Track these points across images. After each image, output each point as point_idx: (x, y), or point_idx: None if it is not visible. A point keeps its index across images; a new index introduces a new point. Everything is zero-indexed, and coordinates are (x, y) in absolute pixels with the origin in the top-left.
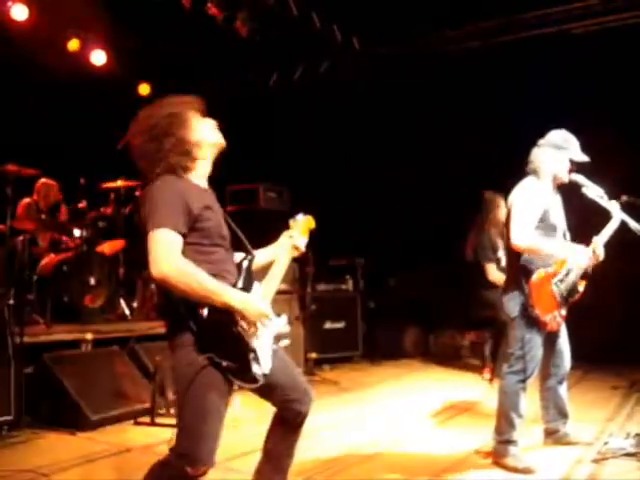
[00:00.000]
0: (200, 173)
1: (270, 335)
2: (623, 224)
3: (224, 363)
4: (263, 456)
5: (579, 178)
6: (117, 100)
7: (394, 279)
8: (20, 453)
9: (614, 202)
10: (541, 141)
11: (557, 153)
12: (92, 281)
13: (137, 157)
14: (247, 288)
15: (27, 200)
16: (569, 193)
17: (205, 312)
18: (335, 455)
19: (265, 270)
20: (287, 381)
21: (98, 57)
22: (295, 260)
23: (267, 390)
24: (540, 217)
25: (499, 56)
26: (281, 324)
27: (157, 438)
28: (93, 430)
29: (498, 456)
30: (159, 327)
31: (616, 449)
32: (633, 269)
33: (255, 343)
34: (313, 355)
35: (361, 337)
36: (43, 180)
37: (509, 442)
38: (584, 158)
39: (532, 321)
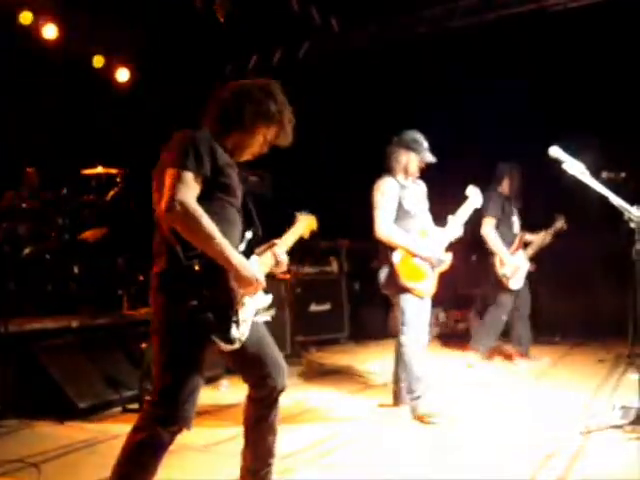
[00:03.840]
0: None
1: (253, 307)
2: (606, 200)
3: (209, 314)
4: (247, 440)
5: (559, 153)
6: (95, 87)
7: (378, 260)
8: (8, 443)
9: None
10: (395, 139)
11: (409, 153)
12: (75, 269)
13: (216, 104)
14: (247, 255)
15: (11, 192)
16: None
17: (203, 262)
18: (321, 437)
19: None
20: (263, 355)
21: (77, 46)
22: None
23: (243, 363)
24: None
25: (480, 36)
26: (266, 300)
27: None
28: (81, 418)
29: (414, 411)
30: (145, 314)
31: (603, 421)
32: (618, 244)
33: (239, 309)
34: (299, 338)
35: (347, 319)
36: (28, 169)
37: (420, 397)
38: (433, 160)
39: (404, 291)
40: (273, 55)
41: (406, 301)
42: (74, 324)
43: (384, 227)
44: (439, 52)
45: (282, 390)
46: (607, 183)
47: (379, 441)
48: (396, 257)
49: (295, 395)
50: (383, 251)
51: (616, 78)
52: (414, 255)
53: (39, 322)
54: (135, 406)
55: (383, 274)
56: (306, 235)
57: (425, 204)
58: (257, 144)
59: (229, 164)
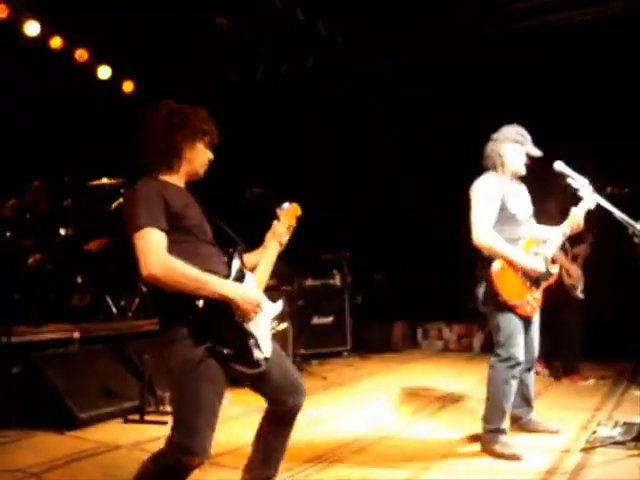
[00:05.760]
0: (176, 178)
1: (267, 320)
2: (610, 215)
3: (225, 351)
4: (254, 452)
5: (564, 168)
6: (101, 98)
7: (381, 274)
8: (9, 453)
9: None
10: (496, 135)
11: (514, 147)
12: (79, 279)
13: (145, 144)
14: (240, 279)
15: (14, 201)
16: None
17: (201, 303)
18: (323, 450)
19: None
20: (281, 374)
21: (82, 55)
22: (282, 256)
23: (261, 382)
24: (499, 208)
25: (484, 47)
26: (277, 309)
27: (146, 435)
28: (82, 429)
29: (486, 443)
30: (147, 325)
31: (604, 438)
32: (623, 261)
33: (253, 329)
34: (301, 350)
35: (349, 332)
36: (36, 183)
37: (499, 431)
38: (538, 153)
39: (504, 308)
40: (279, 65)
41: (504, 319)
42: (76, 334)
43: (483, 233)
44: (444, 65)
45: (300, 407)
46: (611, 198)
47: (381, 454)
48: (495, 269)
49: None
50: (482, 263)
51: (621, 92)
52: (517, 267)
53: (41, 332)
54: (136, 417)
55: (481, 290)
56: (293, 222)
57: (530, 208)
58: (201, 156)
59: (187, 204)
